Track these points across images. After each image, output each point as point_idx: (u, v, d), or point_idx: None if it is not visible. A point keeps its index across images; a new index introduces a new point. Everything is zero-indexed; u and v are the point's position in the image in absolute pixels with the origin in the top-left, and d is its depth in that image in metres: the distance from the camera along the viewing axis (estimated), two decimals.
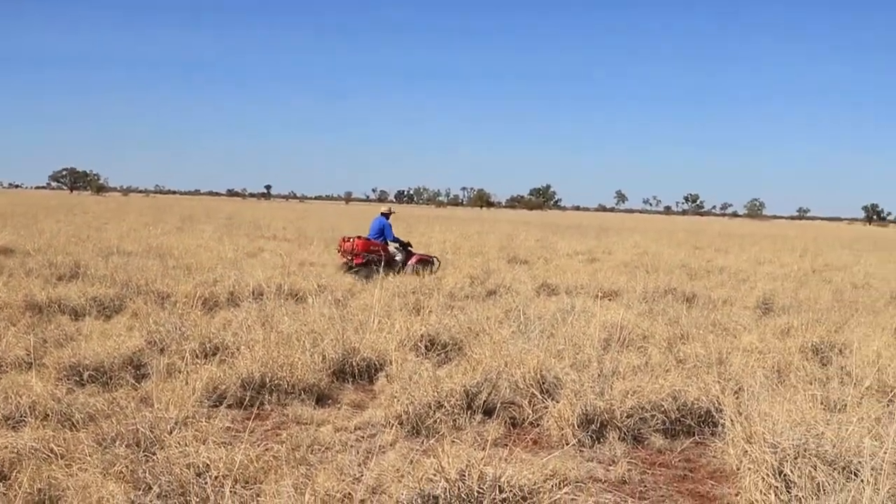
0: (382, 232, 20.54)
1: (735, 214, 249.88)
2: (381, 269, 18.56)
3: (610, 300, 16.54)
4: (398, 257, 20.53)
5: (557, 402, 8.23)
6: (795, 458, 6.22)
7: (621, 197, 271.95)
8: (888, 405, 7.89)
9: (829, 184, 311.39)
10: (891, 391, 8.77)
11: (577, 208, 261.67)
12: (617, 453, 7.49)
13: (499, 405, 8.44)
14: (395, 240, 20.83)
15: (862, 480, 5.71)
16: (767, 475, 6.21)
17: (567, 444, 7.60)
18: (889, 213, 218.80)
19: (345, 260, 20.18)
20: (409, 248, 21.15)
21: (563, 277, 19.94)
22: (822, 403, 8.00)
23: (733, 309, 15.66)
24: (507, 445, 7.43)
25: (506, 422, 8.32)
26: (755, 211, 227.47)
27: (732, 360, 9.89)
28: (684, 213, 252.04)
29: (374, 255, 19.81)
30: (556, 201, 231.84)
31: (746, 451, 6.60)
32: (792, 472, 6.11)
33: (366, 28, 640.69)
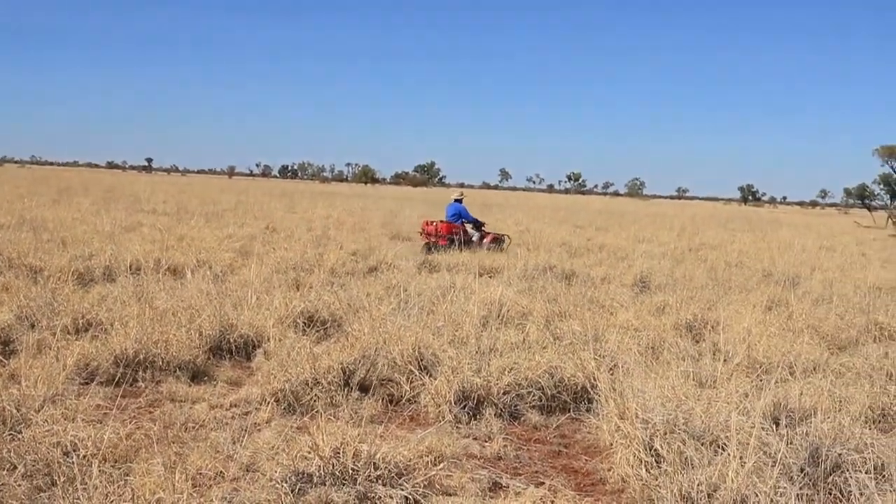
0: (460, 215, 22.81)
1: (616, 193, 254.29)
2: (461, 248, 20.38)
3: (490, 277, 16.62)
4: (475, 237, 22.61)
5: (435, 378, 8.22)
6: (665, 434, 6.33)
7: (505, 175, 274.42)
8: (756, 381, 8.09)
9: (707, 165, 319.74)
10: (759, 367, 9.02)
11: (462, 185, 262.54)
12: (493, 430, 7.52)
13: (376, 382, 8.40)
14: (474, 220, 23.16)
15: (728, 454, 5.84)
16: (638, 450, 6.31)
17: (443, 421, 7.60)
18: (764, 194, 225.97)
19: (428, 241, 22.16)
20: (484, 227, 23.37)
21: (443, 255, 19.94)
22: (693, 380, 8.16)
23: (611, 286, 15.89)
24: (383, 423, 7.37)
25: (383, 399, 8.29)
26: (636, 190, 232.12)
27: (609, 338, 9.99)
28: (567, 191, 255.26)
29: (456, 235, 21.88)
30: (441, 178, 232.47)
31: (619, 427, 6.70)
32: (662, 447, 6.22)
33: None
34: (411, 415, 8.00)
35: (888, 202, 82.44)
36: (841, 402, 7.67)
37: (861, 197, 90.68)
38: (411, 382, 8.38)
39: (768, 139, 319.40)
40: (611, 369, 8.55)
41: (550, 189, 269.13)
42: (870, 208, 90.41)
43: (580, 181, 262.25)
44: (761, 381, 8.03)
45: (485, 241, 22.48)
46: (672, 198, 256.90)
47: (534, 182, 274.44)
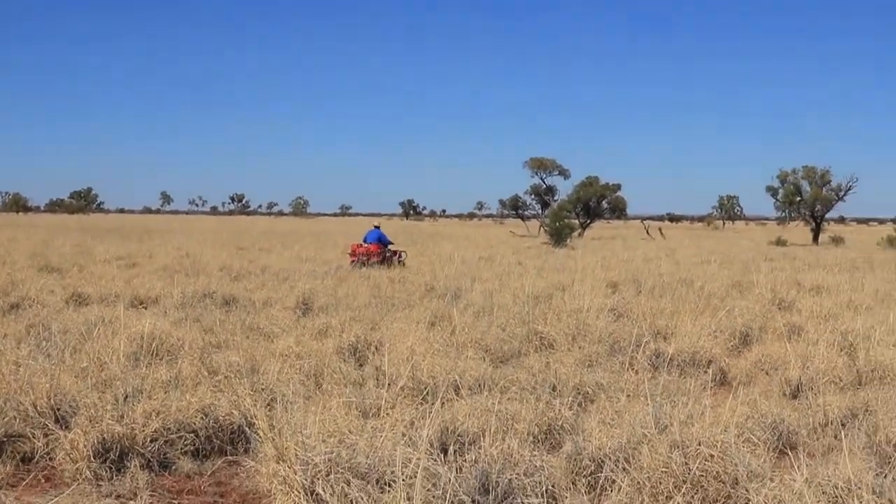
0: (381, 239, 28.73)
1: (281, 213, 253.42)
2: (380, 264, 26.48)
3: (145, 308, 15.58)
4: (389, 255, 28.44)
5: (71, 431, 7.28)
6: (328, 475, 5.81)
7: (166, 198, 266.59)
8: (421, 404, 7.80)
9: (369, 181, 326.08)
10: (425, 388, 8.76)
11: (122, 211, 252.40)
12: (139, 484, 6.69)
13: (4, 439, 7.35)
14: (388, 242, 29.21)
15: (395, 492, 5.43)
16: (298, 496, 5.76)
17: (81, 480, 6.71)
18: (424, 208, 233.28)
19: (357, 260, 27.20)
20: (391, 246, 29.20)
21: (98, 285, 18.58)
22: (357, 409, 7.76)
23: (273, 310, 15.29)
24: (15, 487, 6.41)
25: (14, 458, 7.24)
26: (300, 209, 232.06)
27: (268, 368, 9.42)
28: (231, 213, 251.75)
29: (381, 255, 27.84)
30: (99, 204, 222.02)
31: (277, 471, 6.12)
32: (324, 490, 5.69)
33: None
34: (46, 475, 7.03)
35: (539, 211, 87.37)
36: (508, 420, 7.51)
37: (514, 207, 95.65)
38: (47, 437, 7.39)
39: (426, 154, 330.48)
40: (269, 404, 7.97)
41: (214, 211, 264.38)
42: (523, 218, 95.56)
43: (244, 202, 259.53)
44: (427, 404, 7.73)
45: (395, 257, 28.56)
46: (336, 215, 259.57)
47: (197, 205, 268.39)
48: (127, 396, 7.95)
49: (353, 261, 27.41)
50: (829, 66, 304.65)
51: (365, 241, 28.87)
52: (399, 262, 28.29)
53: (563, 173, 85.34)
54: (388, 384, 8.35)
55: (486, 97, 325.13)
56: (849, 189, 68.12)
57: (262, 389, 8.51)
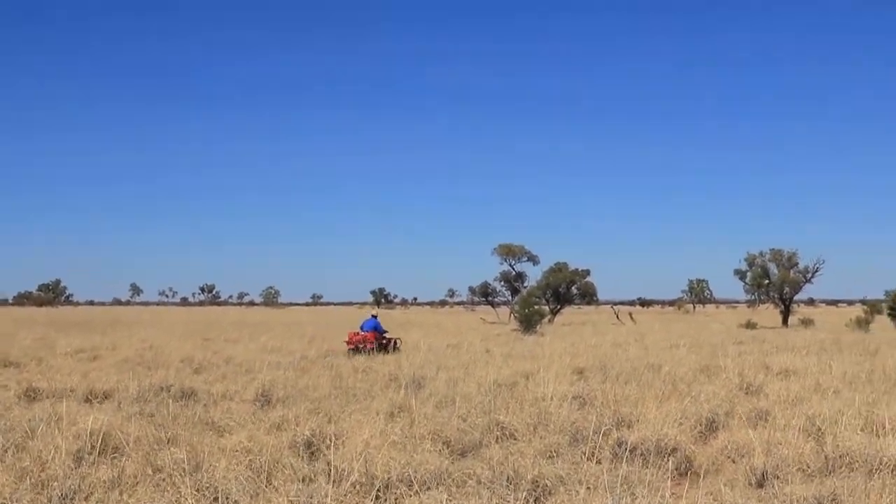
0: (376, 327, 30.62)
1: (252, 303, 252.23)
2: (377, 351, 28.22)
3: (100, 402, 15.16)
4: (385, 342, 30.31)
5: None
6: None
7: (136, 289, 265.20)
8: (372, 502, 7.47)
9: (340, 270, 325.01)
10: (377, 481, 8.42)
11: (91, 303, 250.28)
12: None
13: None
14: (384, 331, 31.24)
15: None
16: None
17: None
18: (396, 296, 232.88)
19: (354, 346, 29.20)
20: (387, 335, 31.41)
21: (53, 380, 18.12)
22: None
23: (231, 403, 14.91)
24: None
25: None
26: (271, 299, 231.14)
27: (217, 464, 9.05)
28: (201, 303, 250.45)
29: (377, 342, 29.54)
30: (68, 296, 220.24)
31: None
32: None
33: None
34: None
35: (509, 298, 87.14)
36: None
37: (484, 294, 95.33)
38: None
39: (396, 243, 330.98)
40: (213, 501, 7.61)
41: (185, 302, 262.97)
42: (493, 304, 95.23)
43: (214, 292, 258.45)
44: (378, 500, 7.41)
45: (390, 344, 30.37)
46: (307, 304, 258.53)
47: (167, 296, 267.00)
48: (64, 497, 7.59)
49: (350, 347, 29.33)
50: (793, 148, 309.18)
51: (362, 329, 30.73)
52: (395, 348, 30.28)
53: (533, 259, 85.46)
54: (339, 480, 8.03)
55: (455, 184, 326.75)
56: (816, 271, 68.46)
57: (207, 487, 8.14)
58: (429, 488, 8.22)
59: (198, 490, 7.88)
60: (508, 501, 7.67)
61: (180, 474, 8.46)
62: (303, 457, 10.23)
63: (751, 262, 70.59)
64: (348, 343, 30.06)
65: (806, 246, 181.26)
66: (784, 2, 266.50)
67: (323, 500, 7.52)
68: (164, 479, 8.40)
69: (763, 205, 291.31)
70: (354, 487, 8.13)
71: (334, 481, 7.95)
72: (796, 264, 69.00)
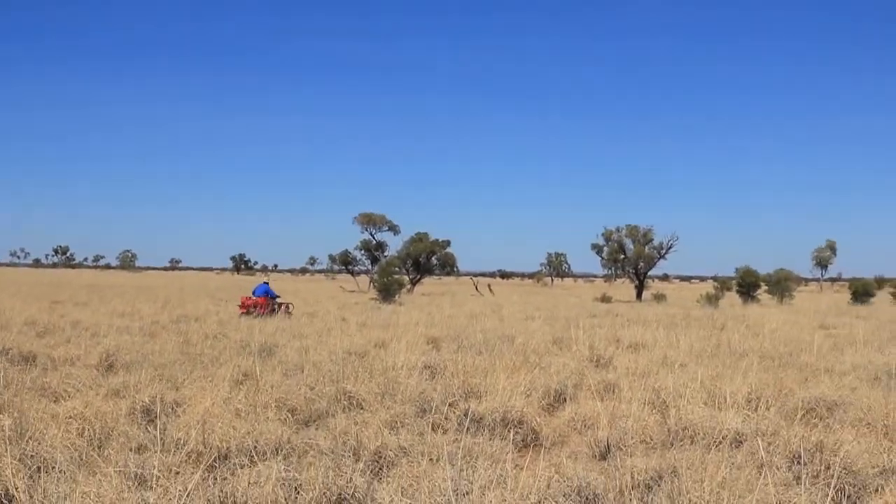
0: (268, 292, 32.41)
1: (108, 266, 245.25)
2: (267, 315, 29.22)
3: None
4: (276, 307, 31.83)
5: None
6: None
7: None
8: (206, 472, 7.20)
9: (200, 235, 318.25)
10: (215, 452, 8.16)
11: None
12: None
13: None
14: (275, 295, 33.28)
15: None
16: None
17: None
18: (256, 262, 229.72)
19: (246, 311, 30.37)
20: (279, 299, 33.30)
21: None
22: (135, 478, 7.10)
23: (73, 368, 14.30)
24: None
25: None
26: (128, 262, 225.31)
27: (46, 432, 8.62)
28: (55, 265, 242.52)
29: (268, 306, 31.14)
30: None
31: None
32: None
33: None
34: None
35: (369, 267, 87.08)
36: (295, 490, 6.97)
37: (345, 263, 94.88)
38: None
39: (257, 209, 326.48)
40: (37, 472, 7.22)
41: (37, 263, 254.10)
42: (353, 273, 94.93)
43: (68, 255, 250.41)
44: (214, 471, 7.16)
45: (282, 308, 31.95)
46: (165, 269, 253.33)
47: (18, 257, 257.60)
48: None
49: (242, 312, 30.58)
50: (651, 129, 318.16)
51: (254, 293, 32.49)
52: (287, 312, 31.62)
53: (393, 229, 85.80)
54: (175, 449, 7.74)
55: (318, 150, 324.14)
56: (670, 247, 70.17)
57: (31, 456, 7.73)
58: (267, 458, 7.98)
59: (20, 459, 7.47)
60: (346, 472, 7.48)
61: (4, 442, 8.02)
62: (140, 425, 9.87)
63: (608, 237, 71.97)
64: (241, 307, 31.37)
65: (666, 225, 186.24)
66: None
67: (153, 470, 7.20)
68: None
69: (625, 182, 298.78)
70: (189, 457, 7.85)
71: (169, 451, 7.64)
72: (651, 240, 70.64)
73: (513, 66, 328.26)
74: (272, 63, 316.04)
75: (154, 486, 6.70)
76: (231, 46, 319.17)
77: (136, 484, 6.92)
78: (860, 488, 7.96)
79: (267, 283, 33.33)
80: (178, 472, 7.17)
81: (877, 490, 7.89)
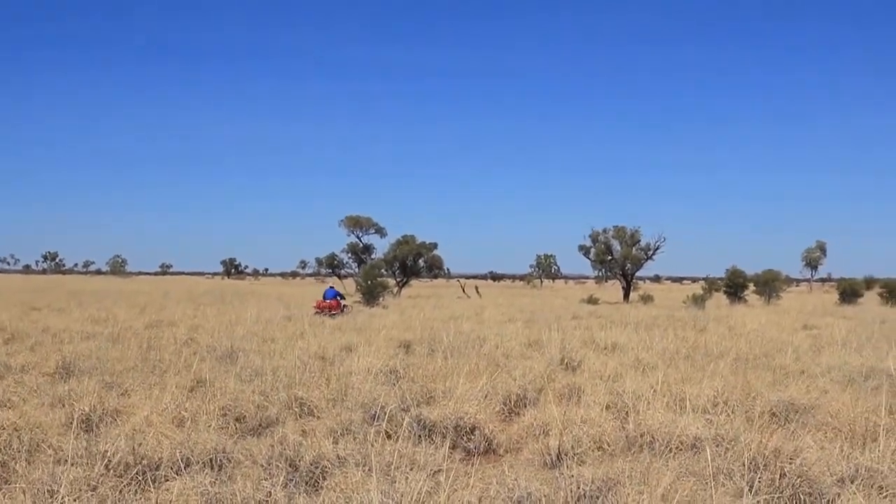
0: (336, 295, 36.93)
1: (99, 272, 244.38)
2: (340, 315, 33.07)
3: None
4: (345, 308, 36.46)
5: None
6: None
7: None
8: (130, 486, 6.84)
9: (191, 239, 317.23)
10: (145, 464, 7.79)
11: None
12: None
13: None
14: (343, 297, 38.13)
15: None
16: None
17: None
18: (247, 267, 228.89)
19: (321, 312, 34.48)
20: (345, 300, 38.54)
21: None
22: (49, 493, 6.73)
23: (27, 376, 13.97)
24: None
25: None
26: (118, 267, 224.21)
27: None
28: (45, 271, 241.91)
29: (339, 308, 35.64)
30: None
31: None
32: None
33: None
34: None
35: (356, 269, 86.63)
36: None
37: (332, 265, 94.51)
38: None
39: (249, 212, 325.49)
40: None
41: (27, 269, 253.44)
42: (340, 276, 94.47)
43: (58, 260, 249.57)
44: (137, 484, 6.80)
45: (346, 308, 36.66)
46: (156, 274, 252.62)
47: (9, 263, 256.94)
48: None
49: (316, 312, 34.80)
50: (640, 125, 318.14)
51: (325, 297, 36.91)
52: (348, 311, 36.24)
53: (380, 231, 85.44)
54: (100, 461, 7.38)
55: (308, 154, 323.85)
56: (657, 248, 69.98)
57: None
58: (196, 471, 7.61)
59: None
60: (274, 485, 7.12)
61: None
62: (79, 435, 9.50)
63: (595, 238, 71.70)
64: (317, 308, 35.67)
65: (658, 226, 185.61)
66: None
67: (70, 484, 6.85)
68: None
69: (617, 183, 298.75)
70: (112, 470, 7.48)
71: (94, 463, 7.28)
72: (638, 241, 70.41)
73: (501, 68, 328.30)
74: (263, 68, 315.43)
75: (65, 501, 6.35)
76: (220, 52, 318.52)
77: (49, 499, 6.56)
78: (815, 497, 7.61)
79: (333, 288, 38.21)
80: (95, 487, 6.80)
81: (831, 500, 7.54)
